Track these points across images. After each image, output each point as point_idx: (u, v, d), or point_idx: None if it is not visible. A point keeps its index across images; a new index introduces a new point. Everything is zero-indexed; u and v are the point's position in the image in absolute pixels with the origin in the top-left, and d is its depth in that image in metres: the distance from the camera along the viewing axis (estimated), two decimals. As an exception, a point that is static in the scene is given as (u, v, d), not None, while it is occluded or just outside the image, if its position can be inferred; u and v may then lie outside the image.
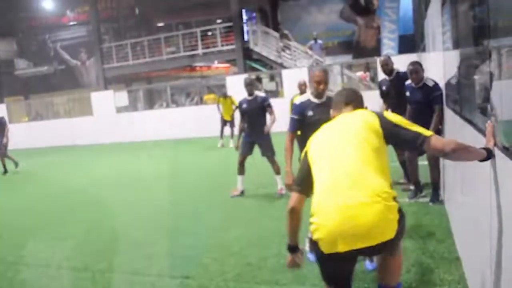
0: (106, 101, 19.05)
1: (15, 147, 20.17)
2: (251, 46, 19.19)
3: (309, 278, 3.74)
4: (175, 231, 5.53)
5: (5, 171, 11.87)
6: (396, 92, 6.39)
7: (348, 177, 2.26)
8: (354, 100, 2.71)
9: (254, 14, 22.76)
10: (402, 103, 5.93)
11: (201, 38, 20.11)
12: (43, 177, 11.24)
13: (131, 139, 17.91)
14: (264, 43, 19.21)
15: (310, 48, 18.39)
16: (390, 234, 2.18)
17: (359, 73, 17.06)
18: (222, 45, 19.76)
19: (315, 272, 3.74)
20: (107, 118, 18.77)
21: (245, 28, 19.88)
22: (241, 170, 7.06)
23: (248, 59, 19.49)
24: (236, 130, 12.85)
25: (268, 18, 22.88)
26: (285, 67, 17.86)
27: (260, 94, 7.19)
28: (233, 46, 19.36)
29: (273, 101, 15.98)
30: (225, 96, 13.83)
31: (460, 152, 2.30)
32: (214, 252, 4.64)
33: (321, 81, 4.17)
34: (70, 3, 25.10)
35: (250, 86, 6.97)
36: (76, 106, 22.51)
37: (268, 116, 6.99)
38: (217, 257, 4.49)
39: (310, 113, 4.19)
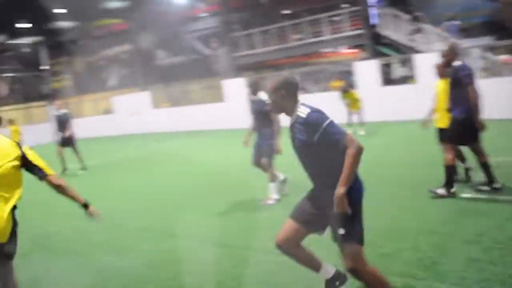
0: (236, 88, 19.89)
1: (157, 131, 22.26)
2: (380, 30, 18.59)
3: (450, 276, 3.65)
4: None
5: (64, 169, 11.64)
6: None
7: None
8: None
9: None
10: None
11: (327, 23, 19.97)
12: (184, 158, 12.20)
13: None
14: (394, 27, 18.48)
15: (446, 30, 17.25)
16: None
17: (503, 57, 15.58)
18: (350, 30, 19.43)
19: (457, 270, 3.68)
20: (237, 104, 19.64)
21: (373, 12, 19.29)
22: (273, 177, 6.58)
23: (377, 44, 18.93)
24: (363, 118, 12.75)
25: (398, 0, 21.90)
26: (417, 51, 17.02)
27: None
28: (360, 31, 18.95)
29: (404, 88, 15.45)
30: (345, 90, 13.59)
31: None
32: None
33: None
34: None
35: (252, 87, 6.66)
36: (208, 93, 23.86)
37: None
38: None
39: None
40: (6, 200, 2.82)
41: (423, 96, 15.28)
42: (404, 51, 18.26)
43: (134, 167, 12.01)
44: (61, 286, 4.48)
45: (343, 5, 22.02)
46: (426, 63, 15.37)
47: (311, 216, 3.19)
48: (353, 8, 19.46)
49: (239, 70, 23.55)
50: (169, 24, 30.44)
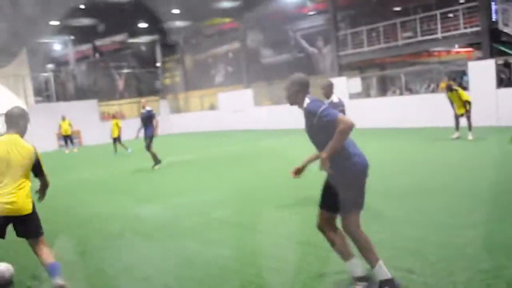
0: (339, 87, 19.56)
1: (258, 128, 22.72)
2: (500, 26, 17.11)
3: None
4: (397, 222, 5.41)
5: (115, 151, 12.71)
6: None
7: None
8: None
9: (505, -10, 20.19)
10: None
11: (441, 20, 18.85)
12: (280, 155, 12.23)
13: (362, 125, 18.13)
14: (517, 23, 16.91)
15: None
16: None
17: None
18: (465, 27, 18.17)
19: None
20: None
21: (494, 7, 17.82)
22: None
23: (495, 41, 17.45)
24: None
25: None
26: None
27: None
28: (478, 28, 17.63)
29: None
30: (451, 89, 12.57)
31: None
32: (444, 250, 4.37)
33: None
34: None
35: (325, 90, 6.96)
36: (312, 92, 23.73)
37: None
38: (445, 256, 4.22)
39: None
40: (27, 183, 4.02)
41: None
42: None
43: (230, 162, 12.32)
44: (150, 269, 4.68)
45: (461, 0, 20.64)
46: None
47: (328, 199, 3.75)
48: (471, 4, 18.12)
49: (343, 68, 23.14)
50: (276, 23, 30.85)
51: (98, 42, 36.02)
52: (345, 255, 3.76)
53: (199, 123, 25.86)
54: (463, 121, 12.50)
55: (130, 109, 28.96)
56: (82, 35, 32.55)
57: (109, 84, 35.67)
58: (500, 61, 16.96)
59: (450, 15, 18.98)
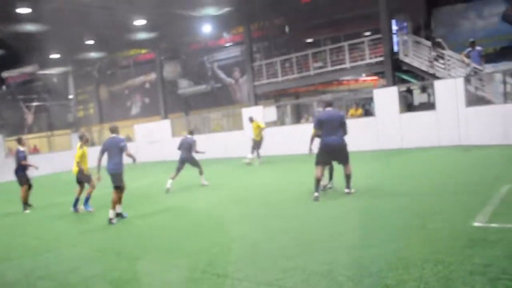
0: (255, 116, 19.95)
1: (175, 159, 22.39)
2: (401, 57, 18.45)
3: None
4: (311, 246, 5.50)
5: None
6: None
7: None
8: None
9: (405, 24, 21.86)
10: None
11: (349, 51, 19.98)
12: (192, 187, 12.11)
13: (278, 152, 18.58)
14: (415, 53, 18.29)
15: (467, 56, 16.95)
16: None
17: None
18: (370, 58, 19.37)
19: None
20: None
21: (395, 39, 19.21)
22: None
23: (397, 70, 18.77)
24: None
25: (420, 26, 21.78)
26: (437, 78, 16.76)
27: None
28: (381, 58, 18.84)
29: (424, 114, 15.44)
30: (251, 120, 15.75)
31: None
32: (351, 270, 4.49)
33: None
34: (226, 26, 26.94)
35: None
36: (229, 121, 23.99)
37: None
38: (352, 276, 4.34)
39: None
40: None
41: (443, 123, 15.08)
42: (425, 78, 18.02)
43: (135, 200, 10.70)
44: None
45: (365, 33, 22.04)
46: (446, 89, 15.16)
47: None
48: (375, 36, 19.42)
49: (259, 98, 23.67)
50: (193, 54, 31.06)
51: (5, 74, 34.12)
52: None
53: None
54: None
55: (40, 143, 27.47)
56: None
57: (16, 117, 33.68)
58: (403, 88, 18.23)
59: (358, 46, 20.15)
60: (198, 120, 25.63)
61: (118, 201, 8.36)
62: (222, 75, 30.10)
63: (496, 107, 14.38)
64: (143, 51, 31.83)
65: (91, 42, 25.88)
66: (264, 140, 16.63)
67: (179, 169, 11.96)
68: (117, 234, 7.49)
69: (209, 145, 20.98)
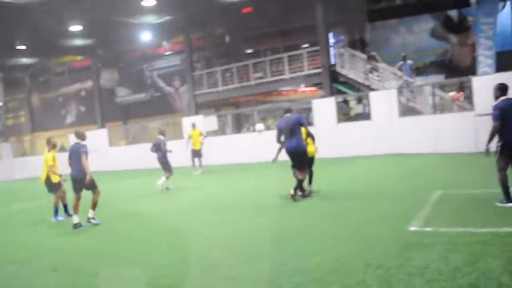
0: (196, 125, 19.83)
1: (112, 169, 21.82)
2: (338, 69, 19.09)
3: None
4: (256, 255, 5.53)
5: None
6: None
7: None
8: None
9: (341, 37, 22.67)
10: None
11: (288, 62, 20.39)
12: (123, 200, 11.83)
13: (219, 162, 18.54)
14: (351, 66, 19.00)
15: (400, 69, 17.84)
16: None
17: (452, 93, 16.20)
18: (309, 69, 19.88)
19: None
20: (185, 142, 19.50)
21: (332, 51, 19.85)
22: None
23: (335, 82, 19.39)
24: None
25: (355, 40, 22.66)
26: (372, 89, 17.48)
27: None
28: (319, 70, 19.39)
29: (360, 124, 15.99)
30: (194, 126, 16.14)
31: None
32: (298, 277, 4.55)
33: None
34: (166, 34, 26.64)
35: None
36: (169, 130, 23.65)
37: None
38: (298, 282, 4.41)
39: None
40: None
41: (378, 132, 15.73)
42: (361, 89, 18.72)
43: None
44: None
45: (303, 45, 22.60)
46: (381, 100, 15.84)
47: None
48: (313, 48, 19.96)
49: (199, 107, 23.58)
50: (132, 62, 30.41)
51: None
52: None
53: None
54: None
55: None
56: None
57: None
58: (340, 99, 18.85)
59: (296, 57, 20.61)
60: (137, 129, 25.09)
61: (94, 204, 8.26)
62: (162, 83, 29.71)
63: (426, 118, 15.20)
64: (79, 57, 30.80)
65: (22, 47, 24.70)
66: (202, 149, 16.51)
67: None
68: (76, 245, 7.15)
69: (148, 154, 20.66)
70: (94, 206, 8.29)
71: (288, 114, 8.75)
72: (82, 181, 8.17)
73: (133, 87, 30.40)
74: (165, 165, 12.44)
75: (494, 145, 6.56)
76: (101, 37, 24.28)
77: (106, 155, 22.44)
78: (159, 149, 12.44)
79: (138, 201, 11.20)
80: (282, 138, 8.68)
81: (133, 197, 11.84)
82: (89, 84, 30.81)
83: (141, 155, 20.68)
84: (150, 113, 27.74)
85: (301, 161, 8.54)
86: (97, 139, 22.91)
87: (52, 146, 9.31)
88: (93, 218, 8.28)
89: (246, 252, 5.61)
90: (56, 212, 9.28)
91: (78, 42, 24.33)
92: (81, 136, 8.44)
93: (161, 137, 12.64)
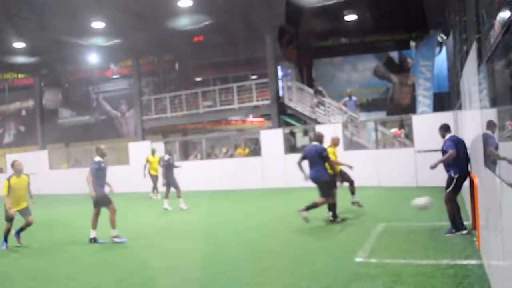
0: (142, 151, 19.49)
1: (54, 192, 20.87)
2: (286, 101, 19.53)
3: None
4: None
5: None
6: None
7: None
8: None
9: (289, 71, 23.30)
10: None
11: (237, 93, 20.63)
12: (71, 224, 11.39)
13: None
14: (299, 99, 19.51)
15: (345, 104, 18.54)
16: None
17: (394, 130, 16.98)
18: (258, 100, 20.19)
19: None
20: (143, 167, 19.15)
21: (280, 84, 20.32)
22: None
23: (282, 114, 19.78)
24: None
25: (303, 75, 23.35)
26: (319, 123, 17.98)
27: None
28: (268, 101, 19.74)
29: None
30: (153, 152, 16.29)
31: None
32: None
33: None
34: (115, 57, 26.29)
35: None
36: (114, 155, 23.07)
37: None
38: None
39: None
40: None
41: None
42: (307, 122, 19.21)
43: None
44: None
45: (252, 77, 23.00)
46: (325, 132, 16.29)
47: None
48: (263, 80, 20.35)
49: (146, 133, 23.27)
50: (77, 83, 29.67)
51: None
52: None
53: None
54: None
55: None
56: None
57: None
58: (287, 130, 19.24)
59: (245, 88, 20.91)
60: (79, 153, 24.27)
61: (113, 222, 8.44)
62: (107, 107, 29.12)
63: (370, 152, 15.77)
64: (21, 75, 29.70)
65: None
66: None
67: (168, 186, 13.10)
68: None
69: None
70: (113, 224, 8.35)
71: (315, 143, 9.14)
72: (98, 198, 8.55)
73: (77, 108, 29.59)
74: (169, 181, 13.00)
75: (444, 179, 6.92)
76: (46, 56, 23.56)
77: (46, 178, 21.51)
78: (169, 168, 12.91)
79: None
80: (303, 163, 9.04)
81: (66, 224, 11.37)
82: (30, 103, 29.69)
83: (83, 179, 20.01)
84: (94, 136, 27.00)
85: (320, 188, 8.89)
86: (36, 161, 21.99)
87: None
88: (117, 237, 8.33)
89: (189, 281, 5.54)
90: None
91: (21, 59, 23.49)
92: (98, 152, 8.92)
93: (169, 156, 13.16)
